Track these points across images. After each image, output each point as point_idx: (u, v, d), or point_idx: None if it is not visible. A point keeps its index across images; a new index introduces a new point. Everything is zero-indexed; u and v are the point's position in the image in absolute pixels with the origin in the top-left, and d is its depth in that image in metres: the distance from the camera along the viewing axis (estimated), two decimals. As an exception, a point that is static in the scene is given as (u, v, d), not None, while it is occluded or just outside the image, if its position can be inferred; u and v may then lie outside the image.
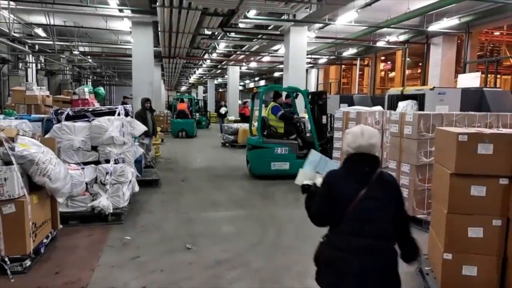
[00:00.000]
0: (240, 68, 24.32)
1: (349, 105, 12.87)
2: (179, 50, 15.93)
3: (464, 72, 12.69)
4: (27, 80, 14.91)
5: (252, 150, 8.04)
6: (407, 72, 16.55)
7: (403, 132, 5.22)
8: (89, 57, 18.66)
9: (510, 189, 3.00)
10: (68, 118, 5.41)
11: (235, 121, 18.19)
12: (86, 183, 5.13)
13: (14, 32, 11.83)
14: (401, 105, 7.64)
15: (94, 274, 3.68)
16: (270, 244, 4.59)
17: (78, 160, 5.28)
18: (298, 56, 11.55)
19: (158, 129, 11.10)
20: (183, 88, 47.92)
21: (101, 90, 8.69)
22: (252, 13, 10.40)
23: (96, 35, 15.73)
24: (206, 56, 19.37)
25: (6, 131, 3.79)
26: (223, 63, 22.41)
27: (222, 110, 19.11)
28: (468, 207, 3.09)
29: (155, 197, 6.57)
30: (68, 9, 10.35)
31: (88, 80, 26.85)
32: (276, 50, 17.18)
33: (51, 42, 13.42)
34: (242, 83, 36.24)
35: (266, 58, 19.71)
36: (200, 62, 22.73)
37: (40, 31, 14.08)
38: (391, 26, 11.77)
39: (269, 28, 12.49)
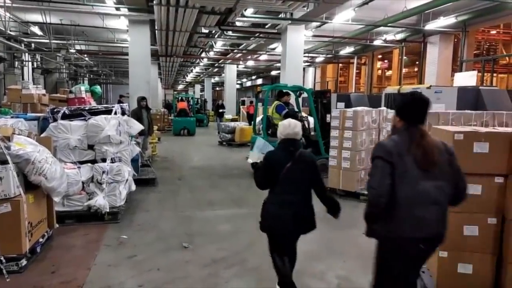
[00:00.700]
0: (237, 67, 24.30)
1: (346, 104, 12.91)
2: (176, 49, 15.90)
3: (460, 70, 12.73)
4: (23, 79, 14.87)
5: None
6: (404, 70, 16.57)
7: (400, 131, 5.22)
8: (85, 55, 18.60)
9: (505, 188, 3.02)
10: (64, 117, 5.38)
11: (233, 120, 18.19)
12: (83, 182, 5.12)
13: (10, 31, 11.79)
14: None
15: (90, 273, 3.67)
16: (267, 243, 4.58)
17: (74, 159, 5.26)
18: (295, 54, 11.56)
19: (155, 128, 11.08)
20: (180, 87, 47.86)
21: (98, 88, 8.67)
22: (249, 11, 10.40)
23: (93, 33, 15.67)
24: (203, 54, 19.35)
25: (2, 130, 3.78)
26: (220, 62, 22.39)
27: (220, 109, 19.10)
28: (463, 205, 3.08)
29: (152, 196, 6.56)
30: (64, 7, 10.31)
31: (85, 78, 26.77)
32: (273, 49, 17.18)
33: (48, 41, 13.39)
34: (239, 82, 36.24)
35: (263, 57, 19.71)
36: (197, 61, 22.70)
37: (36, 30, 14.03)
38: (388, 24, 11.80)
39: (266, 26, 12.48)
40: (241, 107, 21.94)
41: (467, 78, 10.98)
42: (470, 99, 7.99)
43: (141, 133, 7.27)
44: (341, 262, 4.08)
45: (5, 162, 3.59)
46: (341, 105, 12.80)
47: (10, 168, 3.57)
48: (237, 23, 11.90)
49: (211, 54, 19.04)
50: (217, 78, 34.72)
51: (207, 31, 13.31)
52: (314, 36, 13.91)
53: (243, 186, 7.36)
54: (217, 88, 43.68)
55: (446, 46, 13.19)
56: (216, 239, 4.66)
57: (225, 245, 4.45)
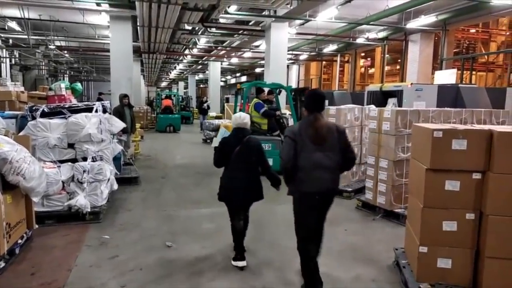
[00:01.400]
0: (221, 64, 24.19)
1: (329, 102, 13.02)
2: (159, 45, 15.70)
3: (441, 68, 12.98)
4: (0, 76, 14.44)
5: None
6: (386, 68, 16.81)
7: (381, 128, 5.30)
8: (65, 52, 18.19)
9: (482, 184, 3.10)
10: (44, 115, 5.28)
11: (217, 117, 18.12)
12: (63, 182, 5.02)
13: (-14, 26, 11.44)
14: (391, 101, 7.86)
15: (71, 274, 3.61)
16: (252, 240, 4.59)
17: (54, 158, 5.16)
18: (279, 52, 11.57)
19: (138, 125, 10.96)
20: (164, 84, 47.34)
21: (78, 85, 8.50)
22: (232, 8, 10.35)
23: (73, 29, 15.33)
24: (186, 51, 19.18)
25: (-23, 128, 3.67)
26: (204, 59, 22.23)
27: (205, 106, 18.95)
28: (442, 201, 3.18)
29: (135, 195, 6.49)
30: (43, 2, 10.06)
31: (65, 75, 26.20)
32: (257, 46, 17.16)
33: (26, 36, 13.04)
34: (223, 79, 36.09)
35: (247, 54, 19.66)
36: (181, 58, 22.50)
37: (14, 25, 13.62)
38: (371, 23, 11.92)
39: (250, 23, 12.45)
40: (225, 104, 21.89)
41: (447, 76, 11.21)
42: (449, 97, 8.16)
43: (123, 131, 7.18)
44: (324, 258, 4.09)
45: (-19, 162, 3.49)
46: (325, 102, 12.92)
47: (-14, 168, 3.47)
48: (221, 20, 11.83)
49: (195, 51, 18.88)
50: (201, 75, 34.47)
51: (190, 27, 13.19)
52: (298, 33, 13.95)
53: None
54: (201, 85, 43.39)
55: (427, 45, 13.41)
56: (200, 238, 4.63)
57: (209, 244, 4.44)
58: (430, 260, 3.24)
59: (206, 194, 6.66)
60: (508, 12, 11.05)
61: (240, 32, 13.66)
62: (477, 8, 10.41)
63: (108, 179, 5.46)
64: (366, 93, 10.08)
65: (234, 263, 3.83)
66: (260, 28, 12.28)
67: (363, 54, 20.48)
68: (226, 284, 3.53)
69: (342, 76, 21.43)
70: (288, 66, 21.84)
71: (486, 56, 16.87)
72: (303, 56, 20.65)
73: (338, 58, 19.74)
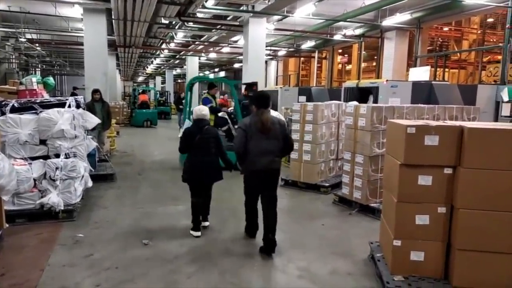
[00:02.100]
0: (199, 59, 23.94)
1: (307, 98, 13.10)
2: (135, 39, 15.40)
3: (415, 65, 13.26)
4: (-33, 69, 13.84)
5: None
6: (363, 65, 17.03)
7: (358, 124, 5.38)
8: (37, 45, 17.59)
9: (453, 178, 3.19)
10: (14, 110, 5.10)
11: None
12: (34, 179, 4.88)
13: (-49, 17, 10.91)
14: (372, 98, 8.02)
15: (43, 274, 3.51)
16: (231, 236, 4.60)
17: (25, 154, 5.00)
18: (257, 47, 11.55)
19: (113, 121, 10.74)
20: (141, 79, 46.52)
21: (51, 80, 8.23)
22: (210, 3, 10.24)
23: (45, 21, 14.82)
24: (163, 45, 18.89)
25: None
26: (181, 53, 21.96)
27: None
28: (415, 195, 3.26)
29: (110, 192, 6.37)
30: (12, -7, 9.67)
31: (37, 69, 25.32)
32: (236, 41, 17.07)
33: (-6, 28, 12.52)
34: (201, 74, 35.78)
35: (226, 49, 19.55)
36: (158, 52, 22.14)
37: (-19, 16, 13.07)
38: (347, 20, 12.05)
39: (228, 18, 12.35)
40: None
41: (421, 73, 11.45)
42: (423, 93, 8.35)
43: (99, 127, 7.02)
44: (301, 253, 4.15)
45: None
46: (303, 98, 13.01)
47: (-49, 166, 3.33)
48: (199, 15, 11.69)
49: (172, 45, 18.59)
50: (178, 70, 34.04)
51: (167, 21, 12.98)
52: (276, 29, 13.94)
53: (205, 180, 7.29)
54: (179, 80, 42.84)
55: (402, 42, 13.67)
56: (178, 235, 4.59)
57: (188, 241, 4.40)
58: (404, 253, 3.32)
59: (183, 191, 6.56)
60: (479, 11, 11.39)
61: (218, 27, 13.56)
62: (449, 6, 10.68)
63: (82, 176, 5.34)
64: (343, 90, 10.21)
65: (191, 232, 4.55)
66: (238, 23, 12.21)
67: (340, 51, 20.70)
68: (204, 281, 3.52)
69: (320, 72, 21.61)
70: (266, 61, 21.85)
71: (458, 54, 17.35)
72: (282, 52, 20.70)
73: (316, 55, 19.88)
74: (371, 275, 3.64)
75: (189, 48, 19.76)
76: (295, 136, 6.88)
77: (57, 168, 4.96)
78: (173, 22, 13.19)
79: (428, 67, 12.27)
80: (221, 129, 8.34)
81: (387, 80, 8.65)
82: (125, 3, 9.75)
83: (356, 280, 3.58)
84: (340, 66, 22.67)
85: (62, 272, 3.58)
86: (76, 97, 6.09)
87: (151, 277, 3.54)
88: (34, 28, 15.30)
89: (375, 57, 16.66)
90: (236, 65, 26.54)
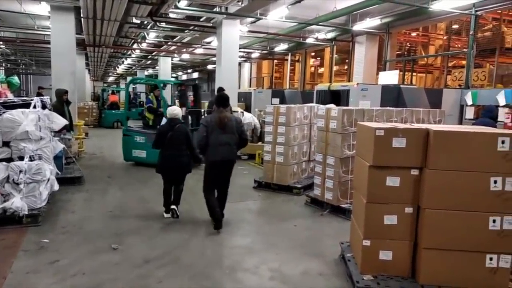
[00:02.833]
0: (172, 59, 23.64)
1: (280, 100, 13.18)
2: (105, 39, 15.01)
3: (384, 69, 13.62)
4: None
5: (123, 137, 8.86)
6: (334, 68, 17.32)
7: (329, 127, 5.46)
8: (1, 42, 16.86)
9: (420, 179, 3.29)
10: (-27, 110, 4.85)
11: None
12: (-4, 183, 4.66)
13: None
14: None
15: (6, 282, 3.36)
16: (202, 239, 4.56)
17: (-14, 157, 4.76)
18: (231, 49, 11.51)
19: (82, 122, 10.49)
20: (111, 79, 45.45)
21: (15, 79, 7.95)
22: (183, 3, 10.13)
23: (9, 18, 14.21)
24: (135, 46, 18.52)
25: None
26: (153, 54, 21.60)
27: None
28: (384, 196, 3.34)
29: (78, 196, 6.18)
30: (-27, -12, 9.23)
31: (0, 68, 24.29)
32: (209, 43, 16.97)
33: (-46, 25, 11.90)
34: (174, 75, 35.36)
35: (199, 50, 19.39)
36: (129, 52, 21.69)
37: None
38: (320, 23, 12.22)
39: (201, 19, 12.26)
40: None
41: (390, 77, 11.78)
42: (392, 97, 8.59)
43: (66, 129, 6.79)
44: (274, 254, 4.17)
45: None
46: (276, 100, 13.10)
47: None
48: (171, 15, 11.53)
49: (144, 45, 18.27)
50: (150, 71, 33.48)
51: (138, 21, 12.73)
52: (249, 31, 13.96)
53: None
54: (173, 81, 42.11)
55: (372, 46, 13.99)
56: (148, 238, 4.51)
57: (158, 244, 4.33)
58: (373, 253, 3.39)
59: (154, 193, 6.48)
60: (445, 17, 11.81)
61: (191, 27, 13.43)
62: (417, 13, 11.02)
63: (48, 180, 5.15)
64: (315, 92, 10.35)
65: (164, 214, 5.23)
66: (211, 25, 12.14)
67: (313, 54, 20.96)
68: (175, 285, 3.46)
69: (293, 75, 21.80)
70: (240, 63, 21.84)
71: (425, 59, 17.94)
72: (255, 54, 20.74)
73: (289, 57, 20.04)
74: (342, 275, 3.70)
75: (162, 48, 19.48)
76: (268, 138, 6.92)
77: (21, 171, 4.76)
78: (145, 22, 12.95)
79: (397, 71, 12.63)
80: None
81: (357, 84, 8.85)
82: (94, 2, 9.49)
83: (327, 280, 3.63)
84: (312, 69, 22.96)
85: (26, 280, 3.44)
86: (42, 97, 5.89)
87: (120, 283, 3.45)
88: (-3, 25, 14.67)
89: (347, 61, 16.98)
90: (210, 67, 26.40)
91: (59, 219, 5.04)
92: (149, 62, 25.97)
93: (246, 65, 23.92)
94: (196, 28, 13.38)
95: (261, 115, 10.61)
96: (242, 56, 20.72)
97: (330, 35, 14.86)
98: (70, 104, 8.44)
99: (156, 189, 6.73)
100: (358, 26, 12.34)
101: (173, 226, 4.99)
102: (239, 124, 4.87)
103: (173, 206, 5.23)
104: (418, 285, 3.25)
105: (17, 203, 4.63)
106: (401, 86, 9.60)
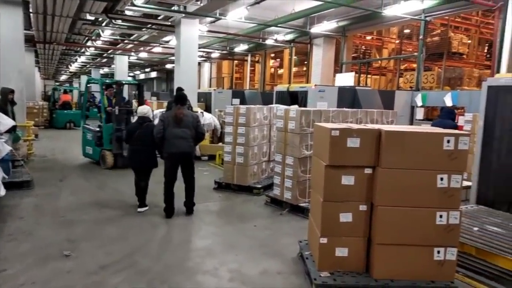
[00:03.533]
0: (129, 58, 22.97)
1: (241, 100, 13.20)
2: (57, 35, 14.34)
3: (341, 71, 14.02)
4: None
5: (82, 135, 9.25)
6: (294, 69, 17.60)
7: (288, 127, 5.54)
8: None
9: (373, 178, 3.42)
10: None
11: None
12: None
13: None
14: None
15: None
16: (160, 242, 4.47)
17: None
18: (190, 48, 11.37)
19: (31, 123, 9.98)
20: (63, 77, 43.42)
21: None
22: (140, 1, 9.87)
23: None
24: (89, 43, 17.80)
25: None
26: (109, 52, 20.89)
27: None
28: (339, 195, 3.44)
29: (27, 201, 5.85)
30: None
31: None
32: (168, 41, 16.66)
33: None
34: (131, 74, 34.43)
35: (157, 49, 19.00)
36: (83, 50, 20.82)
37: None
38: (278, 25, 12.37)
39: (159, 18, 12.02)
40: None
41: (346, 79, 12.14)
42: (348, 98, 8.87)
43: (8, 130, 6.40)
44: (233, 255, 4.17)
45: None
46: (236, 101, 13.10)
47: None
48: (127, 12, 11.20)
49: (99, 43, 17.60)
50: (106, 69, 32.36)
51: (93, 18, 12.26)
52: (209, 31, 13.86)
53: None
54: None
55: (329, 49, 14.37)
56: (103, 244, 4.36)
57: (114, 249, 4.20)
58: (330, 250, 3.48)
59: (110, 197, 6.29)
60: (397, 22, 12.36)
61: (149, 26, 13.12)
62: (371, 17, 11.46)
63: (-7, 184, 4.83)
64: (275, 93, 10.47)
65: (138, 209, 5.53)
66: (169, 23, 11.92)
67: (272, 55, 21.17)
68: (131, 291, 3.38)
69: (253, 76, 21.91)
70: (200, 63, 21.64)
71: (379, 61, 18.66)
72: (215, 54, 20.63)
73: (249, 58, 20.13)
74: (300, 273, 3.76)
75: (118, 46, 18.89)
76: (228, 138, 6.91)
77: (-39, 176, 4.44)
78: (100, 19, 12.49)
79: (353, 73, 13.04)
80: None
81: (315, 85, 9.05)
82: (44, -4, 9.05)
83: (286, 279, 3.68)
84: (272, 70, 23.20)
85: (-33, 292, 3.22)
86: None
87: (73, 291, 3.31)
88: None
89: (305, 62, 17.31)
90: (168, 66, 25.93)
91: (6, 226, 4.74)
92: (104, 60, 25.09)
93: (206, 65, 23.74)
94: (154, 27, 13.09)
95: (221, 116, 10.57)
96: (202, 56, 20.55)
97: (289, 37, 15.08)
98: (15, 105, 7.98)
99: (110, 193, 6.54)
100: (316, 29, 12.62)
101: (129, 229, 4.85)
102: (196, 120, 5.34)
103: (140, 210, 5.56)
104: (372, 280, 3.37)
105: (-42, 210, 4.31)
106: (357, 87, 9.95)
